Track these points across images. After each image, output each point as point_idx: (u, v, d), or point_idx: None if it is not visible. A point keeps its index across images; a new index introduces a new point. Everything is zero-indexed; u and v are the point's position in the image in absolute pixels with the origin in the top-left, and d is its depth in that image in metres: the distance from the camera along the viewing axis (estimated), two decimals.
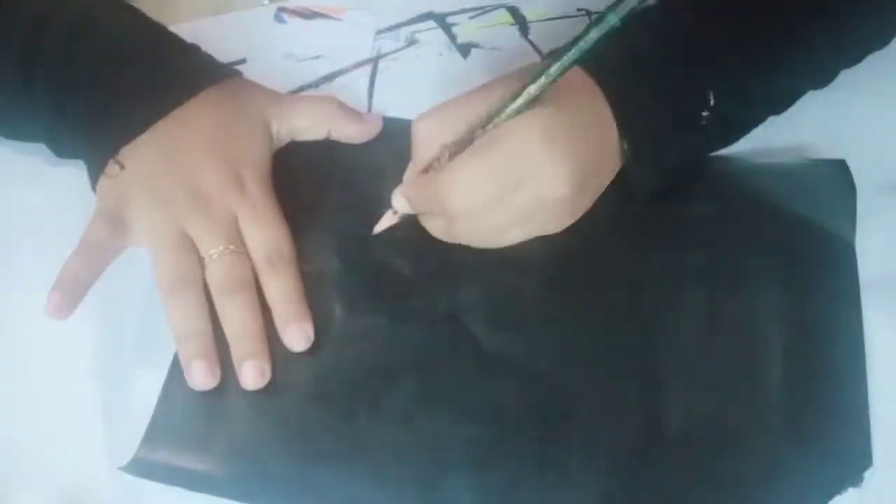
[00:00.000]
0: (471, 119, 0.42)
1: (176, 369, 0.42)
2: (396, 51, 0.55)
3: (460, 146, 0.42)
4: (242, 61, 0.54)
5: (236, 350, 0.41)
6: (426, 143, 0.43)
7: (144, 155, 0.44)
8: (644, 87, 0.43)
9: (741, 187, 0.47)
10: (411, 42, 0.55)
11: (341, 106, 0.49)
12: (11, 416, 0.42)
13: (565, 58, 0.39)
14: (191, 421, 0.41)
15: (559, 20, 0.56)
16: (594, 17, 0.38)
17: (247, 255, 0.44)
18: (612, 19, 0.38)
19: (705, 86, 0.44)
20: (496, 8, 0.56)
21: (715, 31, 0.44)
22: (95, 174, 0.45)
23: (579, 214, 0.44)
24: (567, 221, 0.44)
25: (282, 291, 0.43)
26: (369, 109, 0.52)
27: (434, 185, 0.42)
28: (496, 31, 0.56)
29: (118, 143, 0.44)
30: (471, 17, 0.56)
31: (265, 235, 0.44)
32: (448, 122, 0.42)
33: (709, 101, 0.44)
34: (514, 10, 0.57)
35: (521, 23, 0.56)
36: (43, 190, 0.48)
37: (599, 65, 0.43)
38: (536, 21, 0.56)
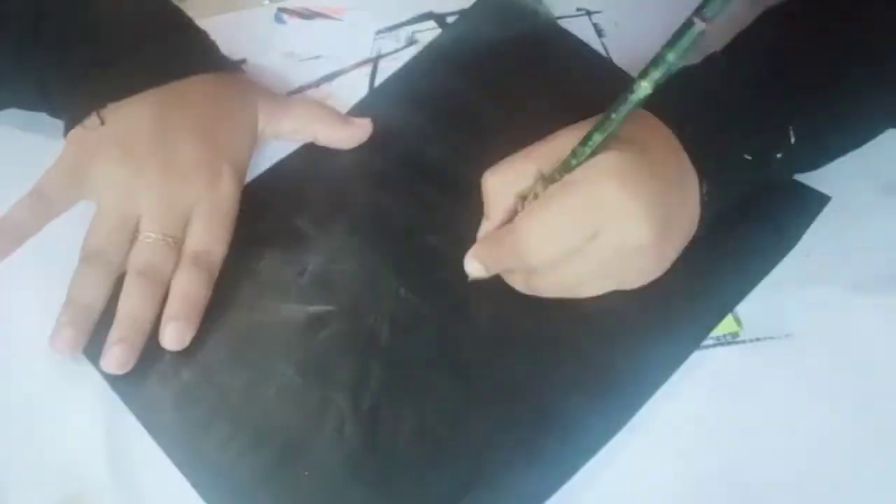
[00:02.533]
0: (541, 169, 0.40)
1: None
2: (396, 51, 0.55)
3: (533, 197, 0.40)
4: (242, 61, 0.53)
5: (113, 331, 0.41)
6: (498, 198, 0.42)
7: (130, 116, 0.44)
8: (721, 130, 0.42)
9: None
10: (411, 42, 0.55)
11: (328, 110, 0.49)
12: (11, 417, 0.42)
13: (631, 98, 0.36)
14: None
15: (559, 20, 0.56)
16: (654, 58, 0.36)
17: (179, 251, 0.43)
18: (671, 58, 0.35)
19: (782, 125, 0.42)
20: None
21: (788, 71, 0.43)
22: (73, 123, 0.44)
23: (665, 266, 0.41)
24: (652, 272, 0.41)
25: (187, 288, 0.42)
26: None
27: (508, 239, 0.40)
28: None
29: (108, 97, 0.44)
30: None
31: (206, 235, 0.44)
32: (518, 175, 0.41)
33: (789, 138, 0.42)
34: None
35: None
36: None
37: (670, 108, 0.41)
38: None
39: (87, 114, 0.44)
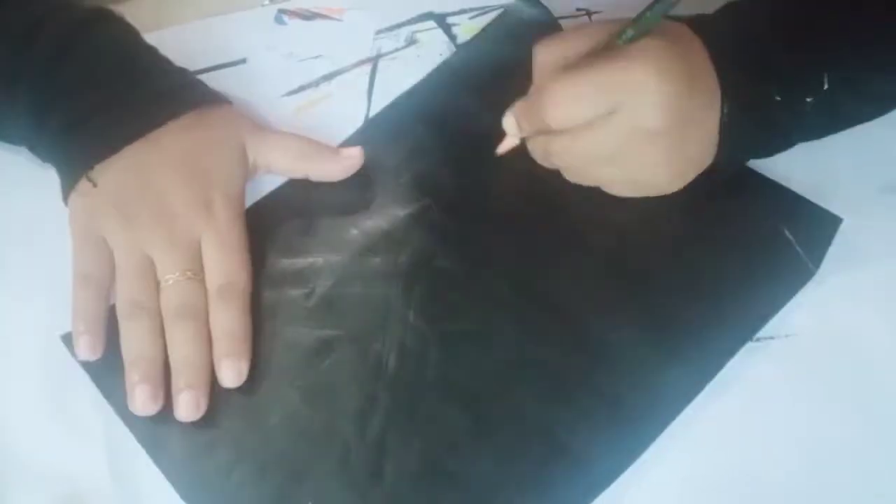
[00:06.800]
0: (589, 47, 0.42)
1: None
2: (396, 51, 0.55)
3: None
4: (242, 61, 0.54)
5: (176, 380, 0.41)
6: (545, 67, 0.43)
7: (116, 174, 0.44)
8: (754, 61, 0.42)
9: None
10: (411, 42, 0.55)
11: (315, 145, 0.48)
12: (11, 417, 0.42)
13: None
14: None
15: (559, 20, 0.56)
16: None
17: (203, 281, 0.43)
18: None
19: (818, 69, 0.43)
20: (496, 8, 0.56)
21: (830, 17, 0.43)
22: (67, 189, 0.45)
23: (674, 175, 0.43)
24: (660, 175, 0.43)
25: (226, 325, 0.42)
26: (369, 109, 0.52)
27: (536, 97, 0.42)
28: None
29: (92, 160, 0.44)
30: (471, 18, 0.56)
31: (223, 266, 0.43)
32: (567, 49, 0.42)
33: (822, 85, 0.42)
34: None
35: None
36: (41, 194, 0.48)
37: (706, 27, 0.43)
38: None
39: (76, 179, 0.44)
